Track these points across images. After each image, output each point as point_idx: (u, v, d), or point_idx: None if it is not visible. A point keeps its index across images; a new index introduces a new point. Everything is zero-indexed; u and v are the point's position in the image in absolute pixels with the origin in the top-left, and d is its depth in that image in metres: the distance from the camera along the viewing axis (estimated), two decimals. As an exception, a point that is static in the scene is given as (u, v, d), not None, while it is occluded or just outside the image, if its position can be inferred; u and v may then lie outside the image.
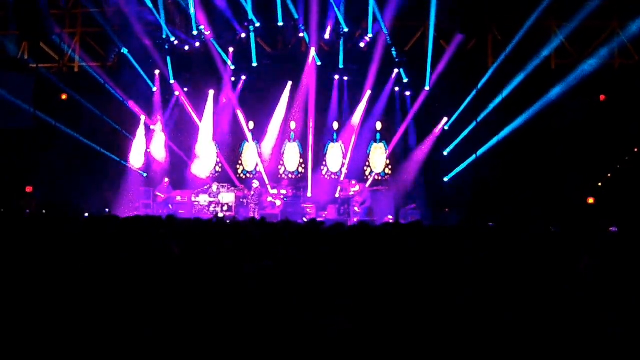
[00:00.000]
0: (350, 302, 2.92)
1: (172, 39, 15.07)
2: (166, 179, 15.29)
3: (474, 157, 14.46)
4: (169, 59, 15.37)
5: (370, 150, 15.65)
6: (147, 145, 15.85)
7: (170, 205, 15.03)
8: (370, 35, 14.63)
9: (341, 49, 14.89)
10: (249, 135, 15.72)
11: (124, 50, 15.13)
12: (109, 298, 2.89)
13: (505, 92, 14.09)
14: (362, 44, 14.82)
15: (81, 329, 2.56)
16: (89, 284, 3.11)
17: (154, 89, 15.73)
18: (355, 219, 14.02)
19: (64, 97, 15.22)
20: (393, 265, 3.77)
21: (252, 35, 14.84)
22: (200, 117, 15.71)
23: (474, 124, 14.49)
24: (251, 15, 14.59)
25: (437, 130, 15.12)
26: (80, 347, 2.46)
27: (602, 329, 2.51)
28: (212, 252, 4.31)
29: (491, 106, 14.30)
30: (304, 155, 15.71)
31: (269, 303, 2.84)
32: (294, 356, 2.40)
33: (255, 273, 3.22)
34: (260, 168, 15.65)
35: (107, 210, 14.55)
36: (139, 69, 15.30)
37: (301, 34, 14.87)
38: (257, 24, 14.72)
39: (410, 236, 5.83)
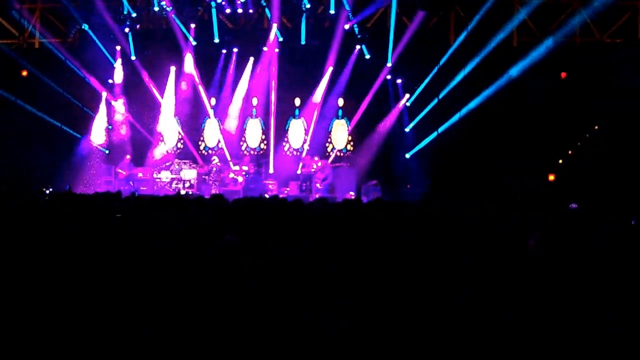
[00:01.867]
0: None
1: (133, 14, 15.05)
2: (127, 156, 15.34)
3: (435, 134, 14.60)
4: (130, 35, 15.36)
5: (332, 127, 15.79)
6: (108, 122, 15.86)
7: (131, 182, 15.07)
8: (332, 11, 14.70)
9: (303, 25, 14.95)
10: (211, 112, 15.78)
11: (85, 27, 15.09)
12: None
13: (467, 69, 14.22)
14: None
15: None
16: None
17: (115, 65, 15.69)
18: (317, 195, 14.14)
19: (24, 73, 15.18)
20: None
21: (213, 11, 14.87)
22: (161, 93, 15.72)
23: (435, 100, 14.63)
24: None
25: (399, 106, 15.23)
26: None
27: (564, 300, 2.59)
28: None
29: (453, 83, 14.44)
30: (265, 132, 15.83)
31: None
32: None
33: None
34: (222, 144, 15.71)
35: (67, 187, 14.55)
36: (100, 45, 15.28)
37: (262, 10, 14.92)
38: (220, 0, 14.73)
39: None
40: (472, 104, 14.31)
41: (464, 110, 14.27)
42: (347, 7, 14.53)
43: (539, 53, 14.20)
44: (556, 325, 2.44)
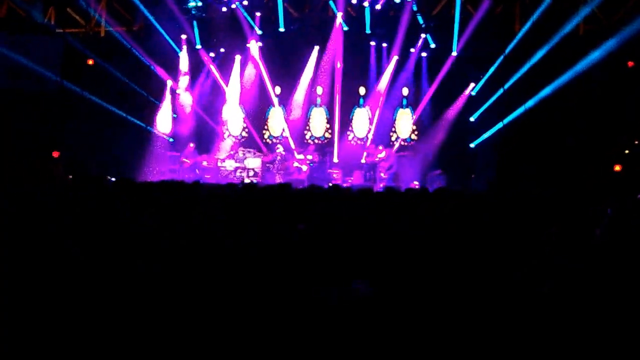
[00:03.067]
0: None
1: (199, 3, 15.20)
2: (191, 144, 15.53)
3: (500, 124, 14.58)
4: (195, 23, 15.53)
5: (396, 116, 15.89)
6: (173, 111, 16.08)
7: (197, 170, 15.28)
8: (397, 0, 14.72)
9: (367, 14, 14.99)
10: (276, 100, 15.93)
11: (149, 16, 15.25)
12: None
13: (533, 60, 14.16)
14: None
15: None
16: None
17: (180, 54, 15.88)
18: (381, 185, 14.26)
19: (90, 62, 15.42)
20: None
21: (279, -1, 14.98)
22: (226, 82, 15.90)
23: (501, 90, 14.59)
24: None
25: (464, 95, 15.24)
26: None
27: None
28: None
29: (519, 73, 14.38)
30: (330, 121, 15.96)
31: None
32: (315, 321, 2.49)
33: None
34: (287, 133, 15.86)
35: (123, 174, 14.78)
36: (165, 35, 15.47)
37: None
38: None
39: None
40: (539, 95, 14.26)
41: (530, 102, 14.23)
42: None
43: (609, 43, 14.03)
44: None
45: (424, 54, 15.52)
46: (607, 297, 2.62)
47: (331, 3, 15.08)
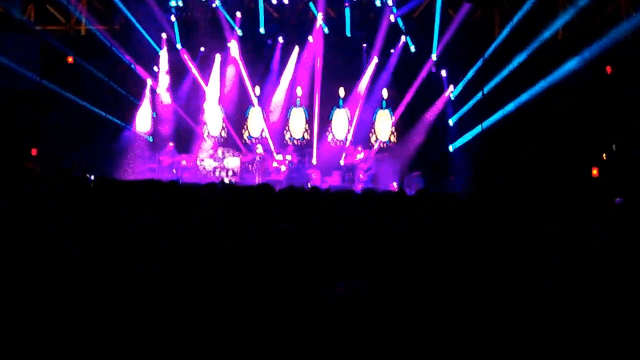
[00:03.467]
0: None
1: (180, 3, 15.22)
2: (171, 143, 15.53)
3: (479, 128, 14.67)
4: (175, 23, 15.55)
5: (375, 117, 15.93)
6: (153, 110, 16.07)
7: (174, 170, 15.25)
8: (378, 2, 14.79)
9: (347, 15, 15.05)
10: (255, 100, 15.96)
11: (129, 15, 15.24)
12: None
13: (512, 65, 14.26)
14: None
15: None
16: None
17: (160, 53, 15.88)
18: (360, 186, 14.29)
19: (70, 60, 15.39)
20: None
21: (260, 0, 15.00)
22: (206, 81, 15.91)
23: (480, 94, 14.69)
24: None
25: (443, 98, 15.33)
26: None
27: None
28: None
29: (498, 77, 14.47)
30: (309, 122, 15.99)
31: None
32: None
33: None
34: (266, 133, 15.88)
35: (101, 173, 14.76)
36: (145, 34, 15.48)
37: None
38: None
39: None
40: (517, 100, 14.35)
41: (509, 107, 14.31)
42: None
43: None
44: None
45: (403, 56, 15.56)
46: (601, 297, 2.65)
47: (311, 5, 15.14)
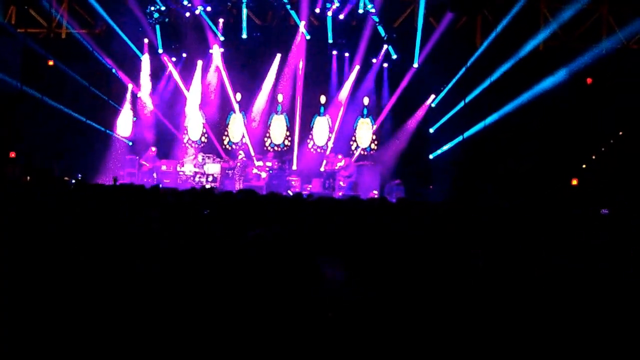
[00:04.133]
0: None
1: (162, 8, 15.22)
2: (153, 148, 15.51)
3: (460, 138, 14.73)
4: (157, 28, 15.54)
5: (357, 125, 15.98)
6: (134, 114, 16.05)
7: (154, 175, 15.23)
8: (360, 10, 14.84)
9: (329, 23, 15.09)
10: (236, 107, 15.98)
11: (109, 20, 15.23)
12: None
13: (493, 76, 14.33)
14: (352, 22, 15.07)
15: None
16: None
17: (142, 58, 15.87)
18: (340, 193, 14.33)
19: (50, 63, 15.35)
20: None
21: (243, 6, 15.02)
22: (188, 87, 15.91)
23: (462, 103, 14.75)
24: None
25: (424, 107, 15.39)
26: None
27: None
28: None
29: (479, 88, 14.53)
30: (290, 128, 16.04)
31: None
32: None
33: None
34: (247, 140, 15.88)
35: (79, 176, 14.72)
36: (126, 39, 15.47)
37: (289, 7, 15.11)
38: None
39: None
40: (499, 112, 14.40)
41: (490, 118, 14.35)
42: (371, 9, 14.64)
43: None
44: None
45: (385, 65, 15.63)
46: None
47: (292, 13, 15.18)
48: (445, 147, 15.15)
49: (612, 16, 15.00)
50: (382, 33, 15.11)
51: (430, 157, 15.39)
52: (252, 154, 15.64)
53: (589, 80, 14.97)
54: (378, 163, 15.47)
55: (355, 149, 15.94)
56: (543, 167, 14.15)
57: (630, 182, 13.31)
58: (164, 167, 15.46)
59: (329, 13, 14.97)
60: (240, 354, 2.40)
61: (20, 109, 15.01)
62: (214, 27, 15.48)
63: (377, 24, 14.99)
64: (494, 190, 13.71)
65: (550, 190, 13.97)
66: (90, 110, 15.34)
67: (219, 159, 15.61)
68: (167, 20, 15.60)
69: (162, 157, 15.69)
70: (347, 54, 15.68)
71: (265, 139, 16.21)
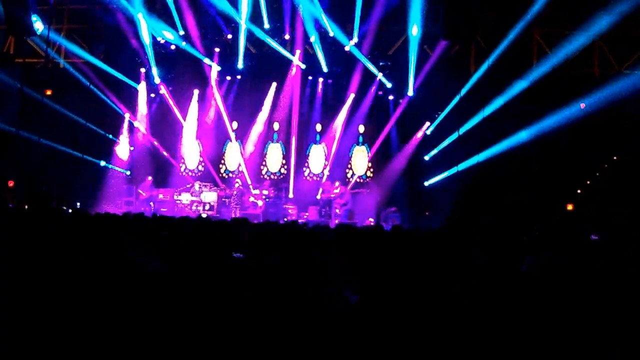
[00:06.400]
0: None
1: (158, 38, 15.44)
2: (149, 177, 15.69)
3: (455, 169, 14.84)
4: (154, 57, 15.76)
5: (352, 153, 16.20)
6: (131, 143, 16.24)
7: (152, 203, 15.41)
8: (355, 39, 15.04)
9: (321, 52, 15.32)
10: (232, 135, 16.17)
11: (108, 49, 15.45)
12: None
13: (488, 108, 14.41)
14: (346, 48, 15.22)
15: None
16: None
17: (139, 88, 16.10)
18: (336, 221, 14.48)
19: (48, 92, 15.56)
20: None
21: (239, 36, 15.24)
22: (184, 116, 16.12)
23: (455, 134, 14.87)
24: (239, 18, 14.92)
25: (419, 135, 15.57)
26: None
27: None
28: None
29: (474, 120, 14.59)
30: (286, 156, 16.25)
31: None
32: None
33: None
34: (243, 168, 16.08)
35: (77, 204, 14.91)
36: (123, 69, 15.69)
37: (286, 37, 15.31)
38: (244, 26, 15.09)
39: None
40: (494, 145, 14.51)
41: (485, 152, 14.44)
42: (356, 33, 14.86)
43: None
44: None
45: (380, 93, 15.82)
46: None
47: (285, 52, 15.42)
48: (441, 175, 15.29)
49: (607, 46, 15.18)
50: (374, 68, 15.31)
51: (426, 184, 15.54)
52: (249, 182, 15.84)
53: (582, 106, 15.16)
54: (374, 190, 15.66)
55: (351, 176, 16.15)
56: (539, 194, 14.31)
57: (625, 205, 13.48)
58: (161, 196, 15.65)
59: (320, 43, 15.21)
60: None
61: (18, 142, 15.16)
62: (208, 60, 15.71)
63: (373, 51, 15.21)
64: (492, 219, 13.84)
65: (546, 216, 14.16)
66: (88, 141, 15.49)
67: (215, 188, 15.79)
68: (163, 51, 15.82)
69: (159, 186, 15.88)
70: (342, 82, 15.87)
71: (262, 167, 16.43)
